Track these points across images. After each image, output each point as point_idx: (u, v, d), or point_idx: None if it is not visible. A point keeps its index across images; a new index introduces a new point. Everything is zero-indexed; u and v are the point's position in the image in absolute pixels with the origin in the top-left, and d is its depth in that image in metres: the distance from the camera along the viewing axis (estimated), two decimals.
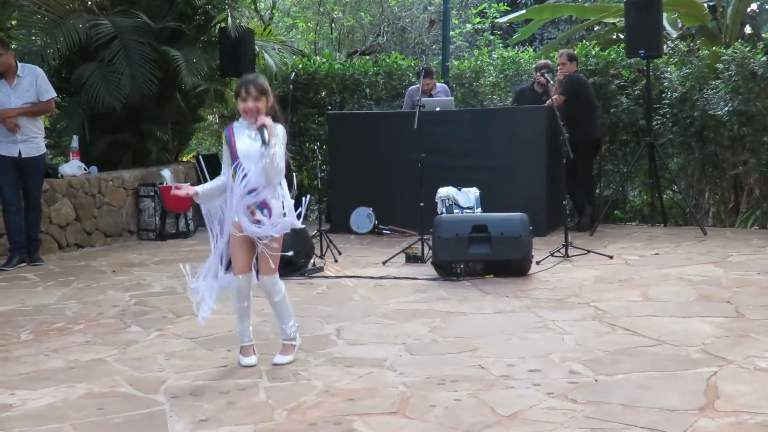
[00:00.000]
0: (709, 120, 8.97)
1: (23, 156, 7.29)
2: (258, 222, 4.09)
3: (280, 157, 4.06)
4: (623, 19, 9.13)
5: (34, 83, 7.34)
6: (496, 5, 16.27)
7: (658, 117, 9.22)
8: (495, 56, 10.81)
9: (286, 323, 4.28)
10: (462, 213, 7.26)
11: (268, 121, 4.06)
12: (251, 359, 4.23)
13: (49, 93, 7.43)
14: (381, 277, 6.43)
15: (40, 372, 4.21)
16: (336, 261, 7.21)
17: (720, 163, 9.35)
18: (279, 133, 4.11)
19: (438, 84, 9.51)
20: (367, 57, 14.05)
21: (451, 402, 3.56)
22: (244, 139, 4.12)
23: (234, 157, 4.13)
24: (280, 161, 4.06)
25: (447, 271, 6.35)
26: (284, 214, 4.14)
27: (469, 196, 7.54)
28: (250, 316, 4.30)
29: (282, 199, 4.15)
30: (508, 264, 6.33)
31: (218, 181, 4.28)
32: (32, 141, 7.36)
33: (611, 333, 4.62)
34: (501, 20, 14.86)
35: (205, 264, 4.25)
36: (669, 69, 9.36)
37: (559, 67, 8.72)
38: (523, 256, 6.32)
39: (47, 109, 7.59)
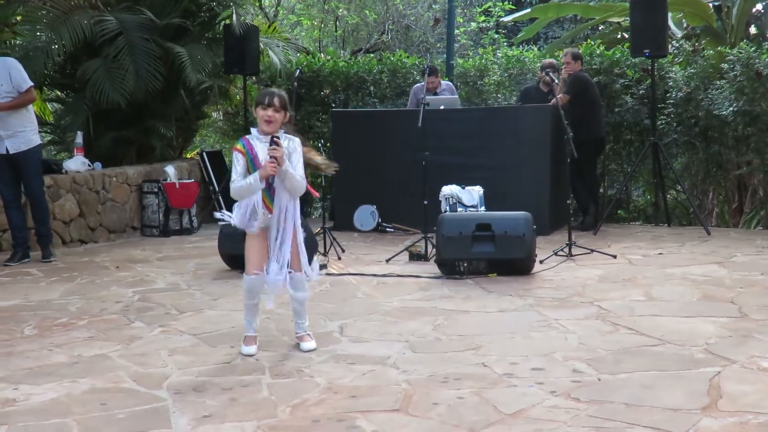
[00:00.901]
0: (713, 120, 8.96)
1: (12, 152, 7.10)
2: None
3: (301, 172, 4.26)
4: (628, 18, 9.12)
5: (7, 76, 7.03)
6: (501, 4, 16.27)
7: (662, 117, 9.21)
8: (499, 55, 10.80)
9: (303, 319, 4.49)
10: (466, 211, 7.26)
11: (279, 153, 4.15)
12: (252, 348, 4.38)
13: (27, 83, 7.12)
14: (384, 275, 6.43)
15: (44, 367, 4.22)
16: (339, 258, 7.21)
17: (724, 164, 9.34)
18: (297, 147, 4.30)
19: (443, 82, 9.50)
20: (372, 55, 14.06)
21: (454, 400, 3.56)
22: (263, 154, 4.22)
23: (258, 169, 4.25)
24: (300, 175, 4.25)
25: (450, 269, 6.35)
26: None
27: (473, 194, 7.54)
28: (258, 312, 4.49)
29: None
30: (511, 262, 6.33)
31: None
32: (19, 135, 7.13)
33: (614, 332, 4.62)
34: (506, 19, 14.85)
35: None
36: (674, 69, 9.34)
37: (563, 66, 8.71)
38: (527, 255, 6.32)
39: (29, 99, 7.24)
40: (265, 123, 4.22)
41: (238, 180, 4.22)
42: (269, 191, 4.24)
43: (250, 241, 4.34)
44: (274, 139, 4.16)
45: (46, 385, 3.91)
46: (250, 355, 4.31)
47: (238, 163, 4.25)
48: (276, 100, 4.21)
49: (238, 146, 4.28)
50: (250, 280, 4.33)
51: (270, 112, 4.20)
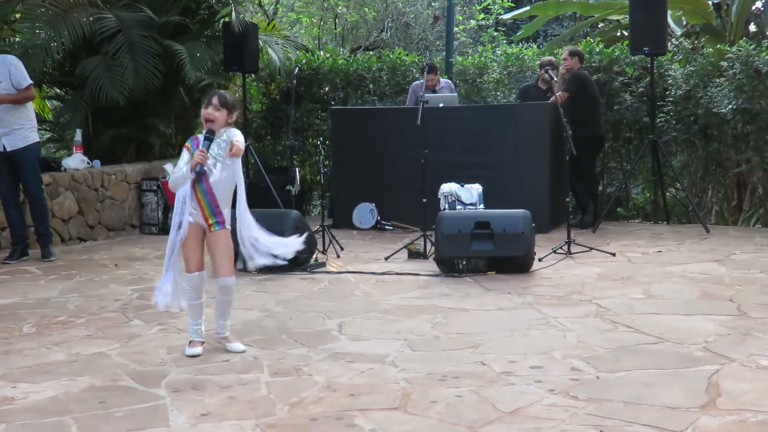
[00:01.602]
0: (712, 118, 8.95)
1: (9, 149, 7.08)
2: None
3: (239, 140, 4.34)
4: (628, 16, 9.11)
5: (7, 73, 7.02)
6: (500, 1, 16.25)
7: (661, 114, 9.20)
8: (499, 53, 10.79)
9: (226, 319, 4.52)
10: (465, 209, 7.25)
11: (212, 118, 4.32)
12: (197, 349, 4.37)
13: (26, 80, 7.11)
14: (383, 273, 6.43)
15: (42, 365, 4.21)
16: (338, 256, 7.20)
17: (723, 161, 9.34)
18: (234, 136, 4.34)
19: (442, 79, 9.49)
20: (371, 52, 14.04)
21: (453, 398, 3.56)
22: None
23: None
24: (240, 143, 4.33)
25: (449, 267, 6.35)
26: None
27: (472, 192, 7.54)
28: (203, 312, 4.47)
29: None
30: (510, 260, 6.32)
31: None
32: (16, 133, 7.10)
33: (613, 330, 4.62)
34: (505, 17, 14.84)
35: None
36: (673, 66, 9.34)
37: (561, 63, 8.70)
38: (526, 253, 6.32)
39: (28, 96, 7.21)
40: (205, 122, 4.32)
41: (176, 172, 4.33)
42: (200, 182, 4.29)
43: (185, 244, 4.35)
44: (209, 131, 4.29)
45: (45, 383, 3.91)
46: (196, 355, 4.30)
47: (181, 158, 4.36)
48: (215, 99, 4.34)
49: (187, 143, 4.42)
50: (193, 278, 4.36)
51: (210, 110, 4.31)
